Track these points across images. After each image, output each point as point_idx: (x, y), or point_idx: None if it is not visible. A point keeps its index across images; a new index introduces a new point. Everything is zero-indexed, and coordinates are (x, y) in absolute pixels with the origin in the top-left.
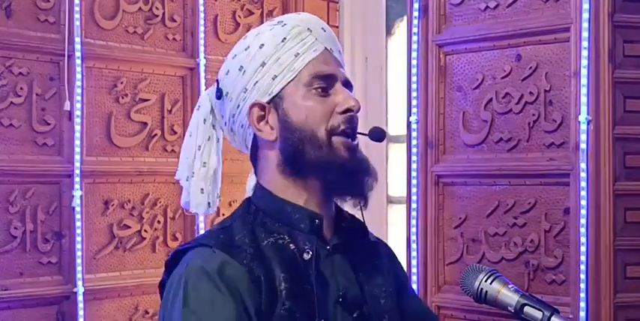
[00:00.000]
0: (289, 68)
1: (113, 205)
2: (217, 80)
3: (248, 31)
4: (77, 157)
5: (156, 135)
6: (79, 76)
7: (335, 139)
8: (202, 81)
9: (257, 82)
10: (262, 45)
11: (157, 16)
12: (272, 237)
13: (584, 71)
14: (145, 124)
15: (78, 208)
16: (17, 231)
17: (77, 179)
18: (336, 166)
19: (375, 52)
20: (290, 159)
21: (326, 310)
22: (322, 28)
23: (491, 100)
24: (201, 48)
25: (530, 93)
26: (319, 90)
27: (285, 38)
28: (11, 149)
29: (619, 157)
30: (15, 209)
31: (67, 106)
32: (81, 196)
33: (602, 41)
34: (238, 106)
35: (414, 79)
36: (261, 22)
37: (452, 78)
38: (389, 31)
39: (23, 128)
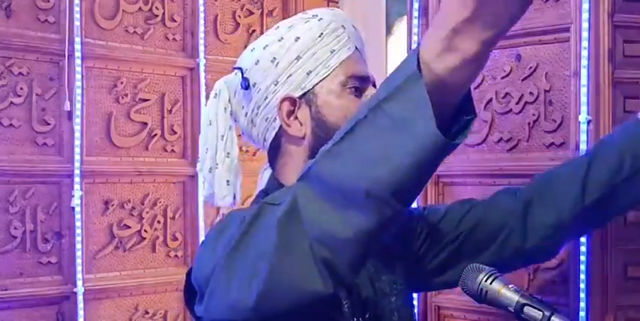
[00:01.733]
0: (324, 65)
1: (113, 205)
2: (240, 69)
3: (248, 31)
4: (77, 157)
5: (156, 135)
6: (79, 76)
7: None
8: (202, 81)
9: (290, 75)
10: (298, 38)
11: (157, 16)
12: None
13: (584, 71)
14: (145, 124)
15: (78, 208)
16: (17, 231)
17: (77, 179)
18: None
19: (375, 52)
20: None
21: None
22: (353, 26)
23: (491, 100)
24: (201, 48)
25: (530, 93)
26: (353, 89)
27: (322, 33)
28: (11, 149)
29: None
30: (15, 209)
31: (66, 107)
32: (81, 196)
33: (602, 41)
34: (266, 98)
35: None
36: (262, 22)
37: None
38: (389, 31)
39: (23, 128)
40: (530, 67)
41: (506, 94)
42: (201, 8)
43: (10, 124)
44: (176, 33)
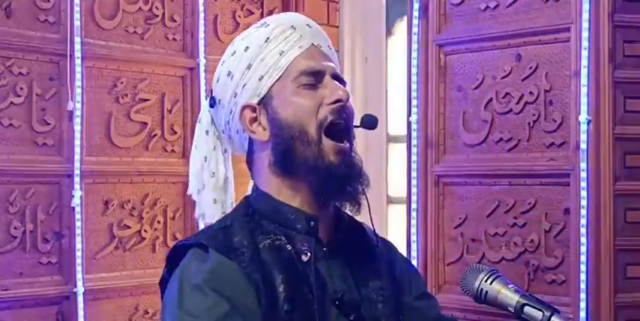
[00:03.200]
0: (275, 67)
1: (113, 205)
2: (211, 89)
3: None
4: (77, 157)
5: (156, 135)
6: (79, 76)
7: (325, 141)
8: (202, 81)
9: (245, 84)
10: (247, 48)
11: (157, 16)
12: (269, 238)
13: (584, 71)
14: (145, 124)
15: (78, 208)
16: (17, 231)
17: (77, 179)
18: (323, 170)
19: (375, 52)
20: (280, 157)
21: (324, 312)
22: (307, 25)
23: (491, 100)
24: (201, 48)
25: (531, 93)
26: (307, 85)
27: (268, 38)
28: (11, 149)
29: (619, 157)
30: (15, 209)
31: (70, 106)
32: (81, 196)
33: (602, 41)
34: (231, 111)
35: (414, 79)
36: None
37: (452, 78)
38: (389, 31)
39: (23, 128)
40: (530, 67)
41: (507, 94)
42: (201, 8)
43: (10, 124)
44: (176, 33)
